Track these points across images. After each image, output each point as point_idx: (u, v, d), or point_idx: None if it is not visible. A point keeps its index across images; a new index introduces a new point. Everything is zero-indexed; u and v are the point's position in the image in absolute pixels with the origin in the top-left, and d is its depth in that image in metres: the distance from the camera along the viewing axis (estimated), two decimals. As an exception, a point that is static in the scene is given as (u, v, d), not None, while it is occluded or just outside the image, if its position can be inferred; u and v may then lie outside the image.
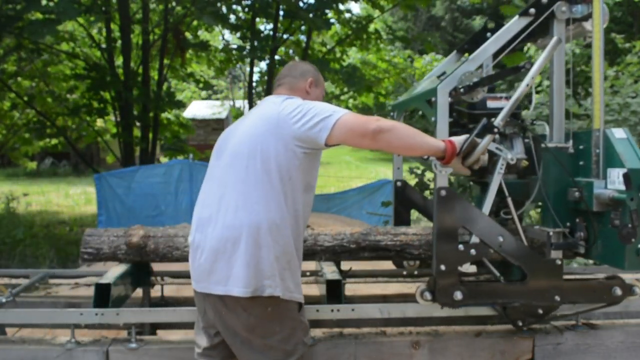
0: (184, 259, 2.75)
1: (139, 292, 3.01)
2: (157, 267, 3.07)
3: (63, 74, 11.63)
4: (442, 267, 2.29)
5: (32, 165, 19.05)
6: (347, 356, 2.50)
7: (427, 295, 2.34)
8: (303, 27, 10.50)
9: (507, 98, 2.54)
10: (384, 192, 8.72)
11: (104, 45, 10.45)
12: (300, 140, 2.07)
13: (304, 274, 2.81)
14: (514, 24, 2.42)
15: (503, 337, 2.59)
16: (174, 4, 9.29)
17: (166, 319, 2.66)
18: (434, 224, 2.33)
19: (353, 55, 13.58)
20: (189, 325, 2.84)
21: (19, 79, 11.48)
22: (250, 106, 10.97)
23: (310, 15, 8.99)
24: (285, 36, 10.51)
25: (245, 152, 2.10)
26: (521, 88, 2.32)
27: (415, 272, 3.13)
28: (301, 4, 9.51)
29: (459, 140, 2.24)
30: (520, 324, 2.50)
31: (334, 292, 2.55)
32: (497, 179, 2.34)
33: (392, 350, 2.54)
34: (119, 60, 10.63)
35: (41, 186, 17.55)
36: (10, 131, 12.53)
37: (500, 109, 2.42)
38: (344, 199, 9.13)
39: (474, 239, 2.32)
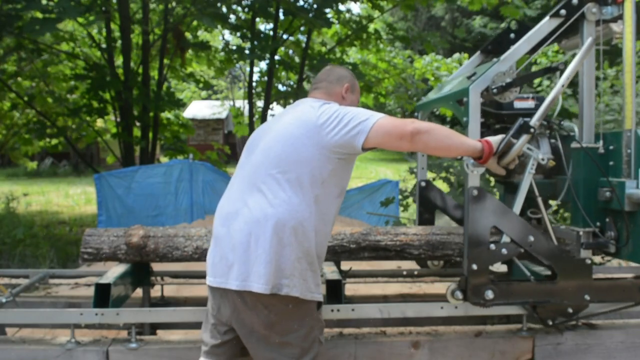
0: (184, 259, 2.76)
1: (139, 292, 3.01)
2: (157, 267, 3.07)
3: (63, 74, 11.62)
4: (474, 267, 2.31)
5: (32, 165, 19.03)
6: (347, 356, 2.51)
7: (458, 294, 2.37)
8: (303, 28, 10.49)
9: (534, 98, 2.56)
10: (384, 192, 8.72)
11: (104, 45, 10.44)
12: (337, 146, 2.09)
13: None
14: (544, 25, 2.44)
15: (503, 337, 2.60)
16: (174, 4, 9.28)
17: (166, 319, 2.66)
18: (465, 223, 2.36)
19: (353, 56, 13.56)
20: (189, 325, 2.84)
21: (19, 79, 11.46)
22: (251, 106, 10.95)
23: (310, 15, 8.98)
24: (285, 36, 10.50)
25: (279, 152, 2.11)
26: (556, 88, 2.35)
27: (415, 273, 3.14)
28: (301, 2, 9.51)
29: (495, 140, 2.26)
30: (550, 323, 2.52)
31: (334, 292, 2.55)
32: (527, 179, 2.37)
33: (392, 350, 2.54)
34: (119, 60, 10.62)
35: (41, 186, 17.53)
36: (10, 131, 12.53)
37: (528, 109, 2.46)
38: (344, 199, 9.12)
39: (505, 239, 2.34)
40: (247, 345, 2.14)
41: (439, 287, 3.56)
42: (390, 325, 2.74)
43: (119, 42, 10.18)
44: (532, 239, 2.34)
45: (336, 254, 2.77)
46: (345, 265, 3.04)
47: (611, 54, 2.49)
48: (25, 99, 10.92)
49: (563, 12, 2.42)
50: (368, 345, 2.53)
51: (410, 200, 6.83)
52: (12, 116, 12.13)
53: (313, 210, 2.07)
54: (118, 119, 10.27)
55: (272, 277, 2.00)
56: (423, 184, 3.19)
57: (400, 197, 7.09)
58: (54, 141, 11.78)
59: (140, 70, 10.14)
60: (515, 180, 2.67)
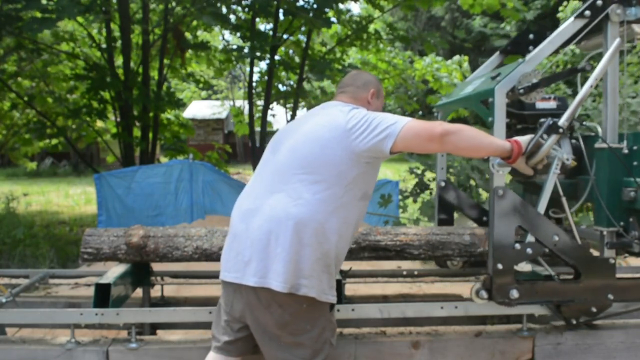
0: (184, 259, 2.76)
1: (139, 292, 3.01)
2: (157, 267, 3.07)
3: (63, 74, 11.61)
4: (499, 266, 2.34)
5: (32, 165, 19.02)
6: (347, 356, 2.51)
7: (483, 293, 2.39)
8: (303, 28, 10.49)
9: (556, 99, 2.58)
10: (384, 192, 8.70)
11: (104, 45, 10.43)
12: (365, 151, 2.10)
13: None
14: (569, 26, 2.47)
15: (503, 337, 2.60)
16: (174, 4, 9.27)
17: (166, 319, 2.66)
18: (490, 222, 2.38)
19: (353, 56, 13.56)
20: (189, 325, 2.84)
21: (19, 79, 11.46)
22: (251, 106, 10.95)
23: (310, 15, 8.97)
24: (285, 36, 10.49)
25: (305, 153, 2.11)
26: (585, 89, 2.36)
27: (415, 273, 3.14)
28: (302, 1, 9.50)
29: (524, 140, 2.28)
30: (574, 322, 2.54)
31: (334, 292, 2.55)
32: (552, 179, 2.38)
33: (392, 350, 2.54)
34: (119, 60, 10.61)
35: (41, 186, 17.54)
36: (10, 131, 12.52)
37: (550, 109, 2.48)
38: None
39: (530, 238, 2.37)
40: (260, 343, 2.14)
41: (439, 287, 3.57)
42: (390, 325, 2.74)
43: (119, 42, 10.17)
44: (556, 238, 2.37)
45: (336, 254, 2.76)
46: (345, 265, 3.04)
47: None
48: (25, 99, 10.91)
49: (587, 13, 2.44)
50: (368, 345, 2.53)
51: (410, 200, 6.82)
52: (12, 116, 12.12)
53: (335, 213, 2.07)
54: (118, 119, 10.26)
55: (291, 276, 2.00)
56: (442, 184, 3.20)
57: (400, 197, 7.08)
58: (54, 141, 11.77)
59: (140, 70, 10.14)
60: (537, 180, 2.70)
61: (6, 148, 13.51)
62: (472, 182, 6.08)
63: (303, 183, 2.07)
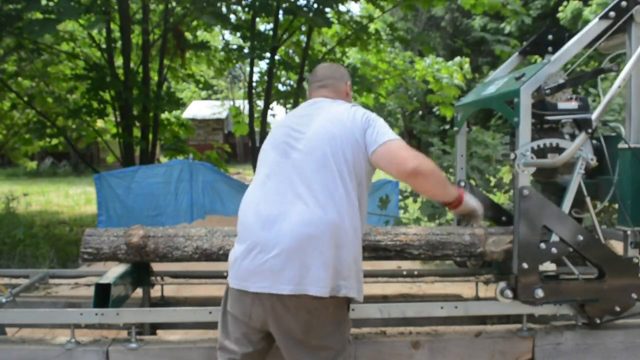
0: (184, 259, 2.76)
1: (139, 292, 3.01)
2: (157, 267, 3.07)
3: (63, 74, 11.61)
4: (525, 265, 2.36)
5: (32, 165, 19.02)
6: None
7: (508, 293, 2.40)
8: (303, 28, 10.48)
9: (578, 99, 2.59)
10: (384, 192, 8.71)
11: (104, 46, 10.44)
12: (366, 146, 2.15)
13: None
14: (594, 27, 2.47)
15: (503, 337, 2.60)
16: (174, 4, 9.28)
17: (166, 319, 2.66)
18: (515, 222, 2.40)
19: (353, 56, 13.55)
20: (189, 325, 2.84)
21: (19, 79, 11.47)
22: (251, 106, 10.94)
23: (311, 14, 8.97)
24: (285, 36, 10.49)
25: (324, 152, 2.10)
26: (613, 89, 2.37)
27: (416, 273, 3.14)
28: (302, 1, 9.50)
29: (467, 200, 2.49)
30: (597, 321, 2.54)
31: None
32: (576, 179, 2.40)
33: (392, 350, 2.54)
34: (119, 61, 10.62)
35: (41, 186, 17.53)
36: (10, 131, 12.53)
37: (572, 110, 2.49)
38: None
39: (554, 237, 2.38)
40: (284, 350, 2.10)
41: (439, 287, 3.56)
42: (390, 325, 2.74)
43: (119, 42, 10.17)
44: (581, 238, 2.38)
45: (336, 254, 2.76)
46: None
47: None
48: (25, 99, 10.92)
49: (612, 14, 2.44)
50: (368, 345, 2.53)
51: (410, 200, 6.83)
52: (12, 116, 12.13)
53: (357, 211, 2.09)
54: (118, 119, 10.26)
55: (331, 279, 1.98)
56: (462, 184, 3.20)
57: (400, 197, 7.08)
58: (54, 141, 11.77)
59: (140, 70, 10.14)
60: (558, 180, 2.70)
61: (6, 148, 13.52)
62: (472, 182, 6.08)
63: (329, 183, 2.05)
